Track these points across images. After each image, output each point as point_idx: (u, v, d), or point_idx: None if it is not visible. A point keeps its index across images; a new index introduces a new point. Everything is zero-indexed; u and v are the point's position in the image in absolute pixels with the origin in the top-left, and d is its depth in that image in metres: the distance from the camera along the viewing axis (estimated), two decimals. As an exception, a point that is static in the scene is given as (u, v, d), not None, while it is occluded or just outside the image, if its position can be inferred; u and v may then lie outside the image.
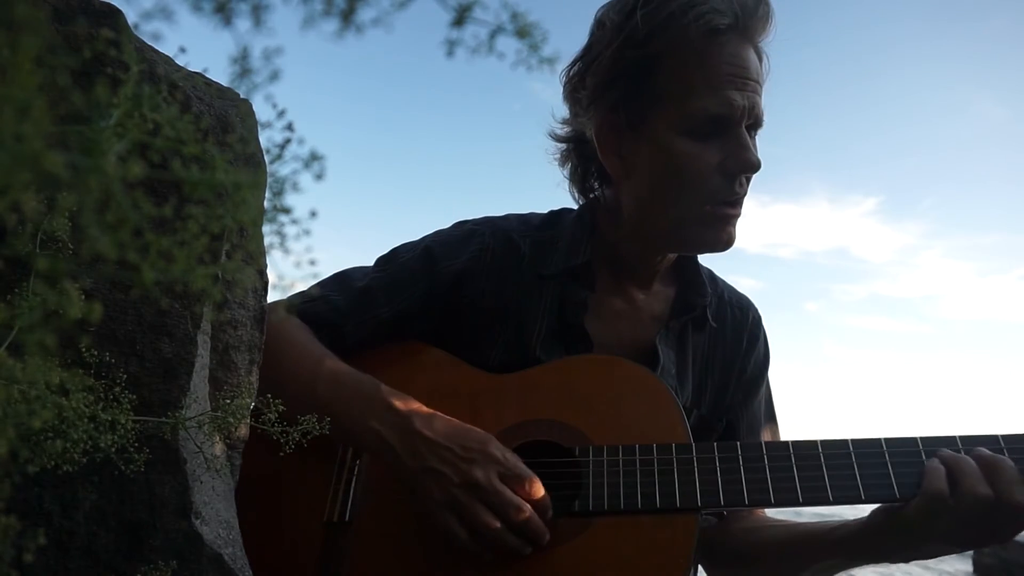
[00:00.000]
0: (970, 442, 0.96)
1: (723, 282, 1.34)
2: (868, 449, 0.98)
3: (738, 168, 1.07)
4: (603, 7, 1.17)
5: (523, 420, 1.09)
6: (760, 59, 1.11)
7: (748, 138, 1.08)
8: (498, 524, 0.93)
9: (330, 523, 1.04)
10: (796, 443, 1.00)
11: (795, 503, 0.96)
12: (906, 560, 0.99)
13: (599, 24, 1.16)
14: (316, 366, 1.06)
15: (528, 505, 0.95)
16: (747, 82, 1.06)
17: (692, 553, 0.94)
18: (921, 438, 0.98)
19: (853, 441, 0.98)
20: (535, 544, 0.96)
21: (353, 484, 1.07)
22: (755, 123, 1.10)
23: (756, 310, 1.33)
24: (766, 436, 1.31)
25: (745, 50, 1.07)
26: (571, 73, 1.20)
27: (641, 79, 1.10)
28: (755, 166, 1.08)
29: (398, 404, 1.01)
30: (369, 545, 1.02)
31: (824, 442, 0.99)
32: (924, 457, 0.96)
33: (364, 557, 1.02)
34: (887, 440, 0.98)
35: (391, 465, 1.01)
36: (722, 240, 1.12)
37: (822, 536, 1.06)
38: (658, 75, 1.08)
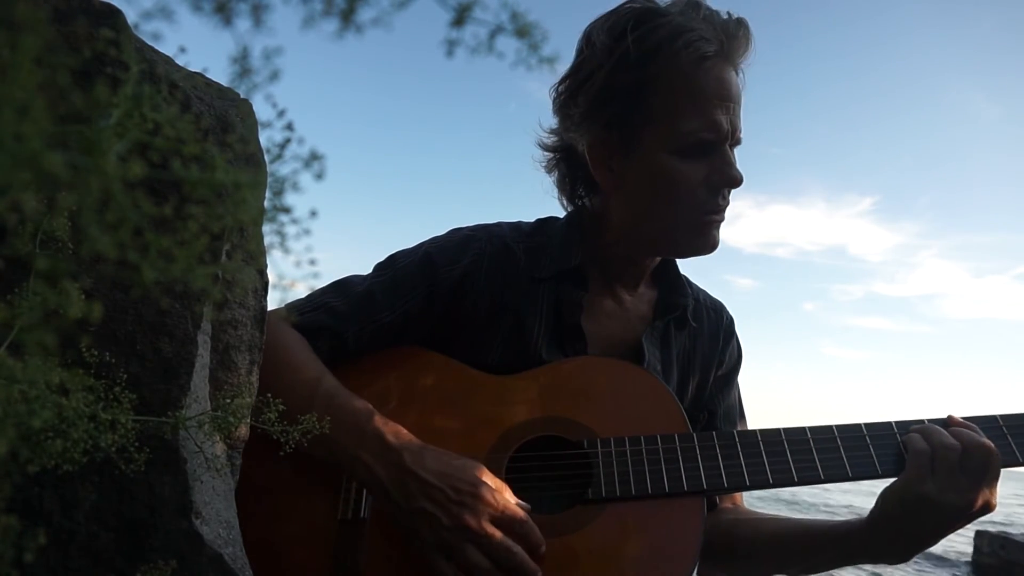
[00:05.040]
0: (935, 424, 1.09)
1: (697, 286, 1.42)
2: (850, 433, 1.09)
3: (723, 184, 1.15)
4: (591, 26, 1.21)
5: (528, 418, 1.12)
6: (738, 76, 1.19)
7: (732, 156, 1.16)
8: (488, 564, 0.95)
9: (344, 521, 1.05)
10: (787, 430, 1.10)
11: (791, 483, 1.06)
12: (903, 556, 1.06)
13: (588, 43, 1.20)
14: (312, 388, 1.06)
15: (518, 547, 0.96)
16: (729, 104, 1.14)
17: (701, 530, 1.01)
18: (895, 422, 1.10)
19: (837, 426, 1.10)
20: None
21: None
22: (736, 142, 1.18)
23: (729, 312, 1.42)
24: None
25: (728, 72, 1.15)
26: (560, 89, 1.25)
27: (633, 100, 1.15)
28: (738, 182, 1.16)
29: (390, 438, 1.01)
30: (384, 542, 1.04)
31: (812, 428, 1.10)
32: (898, 437, 1.08)
33: (379, 553, 1.03)
34: (867, 424, 1.10)
35: (380, 499, 1.02)
36: (708, 244, 1.20)
37: (824, 531, 1.14)
38: (649, 97, 1.14)
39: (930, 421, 1.09)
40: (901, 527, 1.03)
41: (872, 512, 1.07)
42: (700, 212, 1.16)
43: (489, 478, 1.00)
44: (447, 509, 0.95)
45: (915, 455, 1.02)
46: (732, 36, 1.14)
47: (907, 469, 1.02)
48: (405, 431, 1.03)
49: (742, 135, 1.17)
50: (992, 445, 1.01)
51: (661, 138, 1.14)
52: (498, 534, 0.96)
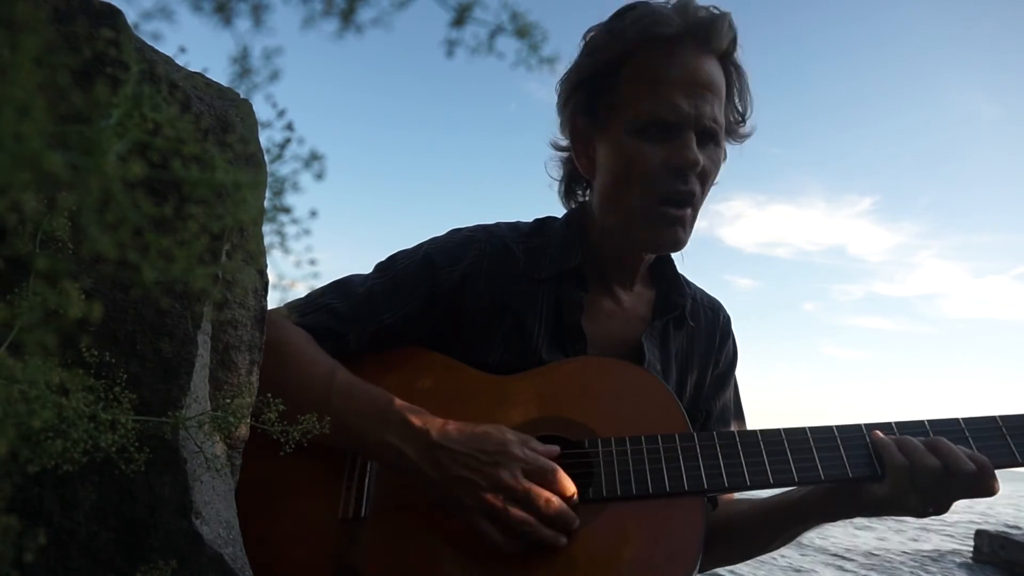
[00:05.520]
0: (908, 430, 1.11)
1: (695, 285, 1.42)
2: (850, 433, 1.10)
3: (678, 164, 1.12)
4: (590, 28, 1.26)
5: (529, 419, 1.12)
6: (730, 73, 1.19)
7: (692, 139, 1.13)
8: (532, 519, 0.97)
9: (345, 519, 1.05)
10: (787, 430, 1.11)
11: (790, 483, 1.07)
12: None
13: (583, 41, 1.25)
14: (328, 380, 1.07)
15: (556, 496, 0.99)
16: (696, 89, 1.13)
17: (703, 529, 1.01)
18: (895, 422, 1.11)
19: (838, 426, 1.11)
20: (567, 531, 0.99)
21: (367, 481, 1.08)
22: (706, 132, 1.15)
23: (726, 311, 1.43)
24: (735, 428, 1.39)
25: (700, 60, 1.14)
26: (558, 88, 1.29)
27: (602, 85, 1.18)
28: (693, 163, 1.12)
29: (413, 418, 1.03)
30: (386, 539, 1.04)
31: (812, 428, 1.11)
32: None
33: (381, 551, 1.03)
34: (866, 425, 1.11)
35: (412, 478, 1.03)
36: (669, 240, 1.18)
37: (789, 505, 1.18)
38: (616, 82, 1.17)
39: (899, 424, 1.10)
40: (871, 513, 1.09)
41: (840, 496, 1.10)
42: (659, 198, 1.14)
43: (514, 435, 1.02)
44: (482, 472, 0.98)
45: (896, 470, 1.02)
46: (704, 24, 1.14)
47: (889, 482, 1.03)
48: (426, 411, 1.05)
49: (716, 126, 1.15)
50: (975, 469, 1.01)
51: (624, 120, 1.16)
52: (535, 486, 0.98)
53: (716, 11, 1.16)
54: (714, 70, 1.15)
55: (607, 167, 1.19)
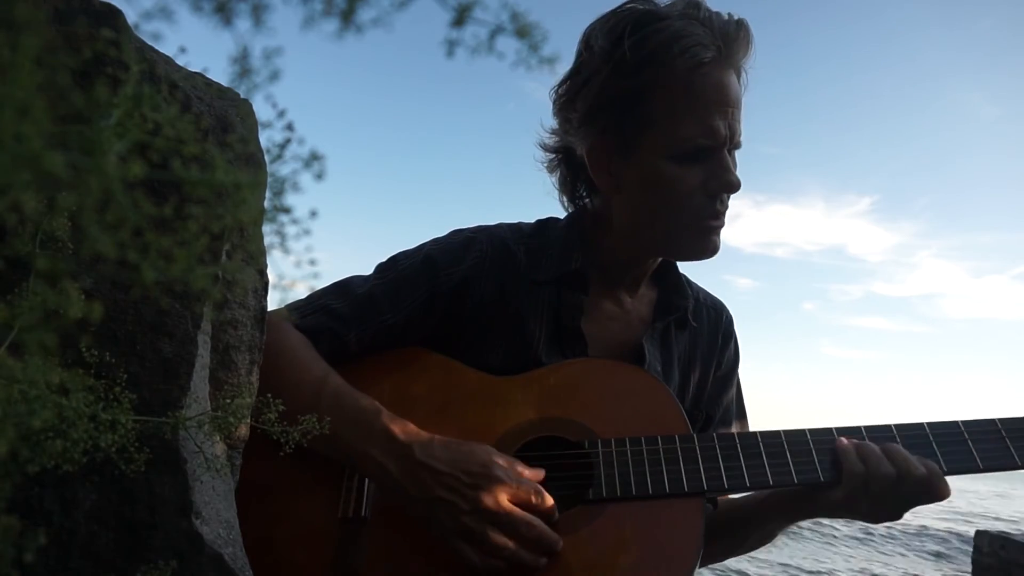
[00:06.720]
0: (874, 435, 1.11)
1: (697, 285, 1.42)
2: (849, 435, 1.10)
3: (720, 189, 1.15)
4: (591, 28, 1.20)
5: (528, 419, 1.12)
6: (739, 78, 1.18)
7: (729, 160, 1.15)
8: (512, 544, 0.96)
9: (345, 519, 1.05)
10: (787, 431, 1.11)
11: (790, 484, 1.08)
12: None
13: (587, 47, 1.20)
14: (319, 385, 1.06)
15: (538, 520, 0.98)
16: (728, 108, 1.13)
17: (702, 531, 1.02)
18: (894, 425, 1.11)
19: (837, 428, 1.11)
20: (549, 553, 0.99)
21: (368, 481, 1.08)
22: (735, 146, 1.16)
23: (728, 311, 1.43)
24: (737, 430, 1.40)
25: (728, 76, 1.14)
26: (560, 92, 1.25)
27: (629, 107, 1.15)
28: (735, 187, 1.15)
29: (397, 432, 1.02)
30: (386, 540, 1.04)
31: (812, 430, 1.11)
32: (898, 440, 1.09)
33: (381, 551, 1.03)
34: (866, 427, 1.11)
35: (394, 494, 1.02)
36: (708, 249, 1.19)
37: (756, 505, 1.20)
38: (646, 103, 1.13)
39: (868, 429, 1.11)
40: (826, 515, 1.12)
41: (800, 501, 1.12)
42: (698, 217, 1.15)
43: (499, 457, 1.01)
44: (463, 494, 0.96)
45: (850, 476, 1.04)
46: (731, 40, 1.12)
47: (844, 487, 1.04)
48: (412, 425, 1.04)
49: (742, 138, 1.16)
50: (926, 473, 1.02)
51: (658, 144, 1.13)
52: (516, 510, 0.97)
53: (735, 19, 1.14)
54: (735, 83, 1.15)
55: (640, 188, 1.17)
